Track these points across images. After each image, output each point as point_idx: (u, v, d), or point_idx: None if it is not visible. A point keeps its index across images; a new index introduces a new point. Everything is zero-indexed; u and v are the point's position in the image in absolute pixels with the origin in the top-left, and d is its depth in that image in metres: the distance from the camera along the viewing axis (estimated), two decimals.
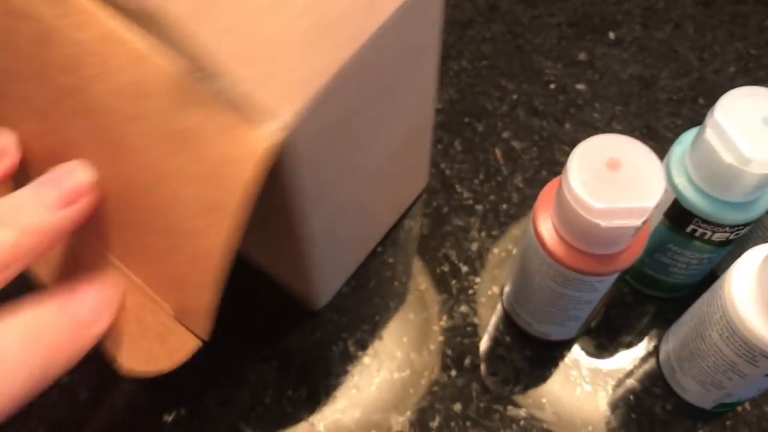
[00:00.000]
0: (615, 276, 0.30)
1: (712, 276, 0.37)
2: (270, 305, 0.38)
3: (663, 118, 0.43)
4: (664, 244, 0.34)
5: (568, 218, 0.28)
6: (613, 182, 0.27)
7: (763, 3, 0.47)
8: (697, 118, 0.43)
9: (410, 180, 0.39)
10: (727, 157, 0.29)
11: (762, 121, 0.29)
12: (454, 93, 0.44)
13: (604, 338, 0.37)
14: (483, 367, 0.36)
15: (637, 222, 0.27)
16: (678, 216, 0.32)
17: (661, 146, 0.41)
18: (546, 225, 0.30)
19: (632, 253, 0.29)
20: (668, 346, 0.35)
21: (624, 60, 0.45)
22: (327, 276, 0.36)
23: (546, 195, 0.31)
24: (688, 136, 0.33)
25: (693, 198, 0.31)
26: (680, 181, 0.32)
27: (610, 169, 0.28)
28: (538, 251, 0.31)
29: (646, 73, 0.44)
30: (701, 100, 0.43)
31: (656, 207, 0.27)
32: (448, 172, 0.41)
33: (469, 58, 0.45)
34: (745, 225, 0.31)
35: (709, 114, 0.30)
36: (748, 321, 0.28)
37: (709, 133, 0.29)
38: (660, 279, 0.36)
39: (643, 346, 0.37)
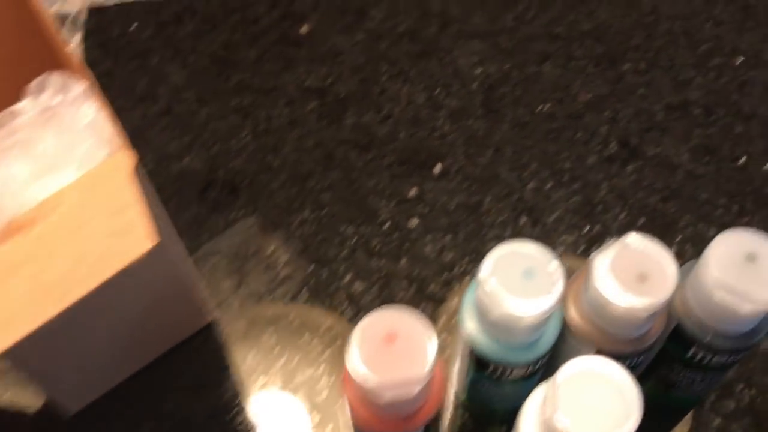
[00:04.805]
0: (421, 429, 0.33)
1: None
2: None
3: (489, 241, 0.46)
4: (477, 382, 0.37)
5: (358, 390, 0.31)
6: (389, 354, 0.30)
7: (573, 117, 0.51)
8: (520, 236, 0.46)
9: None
10: (497, 311, 0.32)
11: (523, 274, 0.32)
12: (299, 244, 0.47)
13: None
14: None
15: (414, 390, 0.30)
16: (477, 360, 0.35)
17: None
18: (352, 390, 0.33)
19: (428, 410, 0.32)
20: None
21: (451, 190, 0.49)
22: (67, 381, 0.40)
23: None
24: None
25: (483, 343, 0.34)
26: (472, 327, 0.35)
27: (387, 342, 0.31)
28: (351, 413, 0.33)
29: (472, 200, 0.48)
30: (523, 219, 0.47)
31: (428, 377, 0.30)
32: (297, 321, 0.44)
33: (311, 208, 0.48)
34: (537, 361, 0.35)
35: (478, 270, 0.33)
36: None
37: (480, 290, 0.33)
38: (489, 408, 0.39)
39: None
